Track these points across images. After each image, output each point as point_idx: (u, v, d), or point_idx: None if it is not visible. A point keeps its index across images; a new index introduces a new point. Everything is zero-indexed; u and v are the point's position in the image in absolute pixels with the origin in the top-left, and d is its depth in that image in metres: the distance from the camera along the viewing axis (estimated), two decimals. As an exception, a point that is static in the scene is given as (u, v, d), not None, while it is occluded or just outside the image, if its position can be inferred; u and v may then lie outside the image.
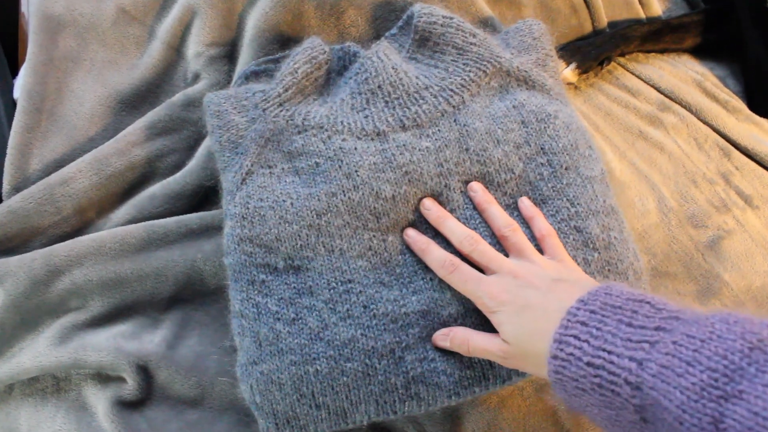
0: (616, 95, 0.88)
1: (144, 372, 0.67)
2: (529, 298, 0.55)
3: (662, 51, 0.95)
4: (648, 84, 0.89)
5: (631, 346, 0.45)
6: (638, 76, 0.90)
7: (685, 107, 0.88)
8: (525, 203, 0.65)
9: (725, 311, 0.44)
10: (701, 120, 0.87)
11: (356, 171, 0.63)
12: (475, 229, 0.63)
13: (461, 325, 0.61)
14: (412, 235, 0.64)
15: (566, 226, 0.64)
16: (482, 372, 0.61)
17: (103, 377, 0.68)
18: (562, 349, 0.48)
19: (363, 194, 0.63)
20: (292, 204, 0.63)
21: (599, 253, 0.63)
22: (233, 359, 0.63)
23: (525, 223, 0.64)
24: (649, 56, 0.93)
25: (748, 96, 0.93)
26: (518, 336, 0.55)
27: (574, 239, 0.63)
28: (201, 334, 0.70)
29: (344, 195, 0.63)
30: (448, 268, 0.61)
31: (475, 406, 0.67)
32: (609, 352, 0.45)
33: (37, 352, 0.68)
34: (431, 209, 0.64)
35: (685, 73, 0.92)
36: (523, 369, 0.57)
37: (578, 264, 0.62)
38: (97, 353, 0.66)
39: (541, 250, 0.62)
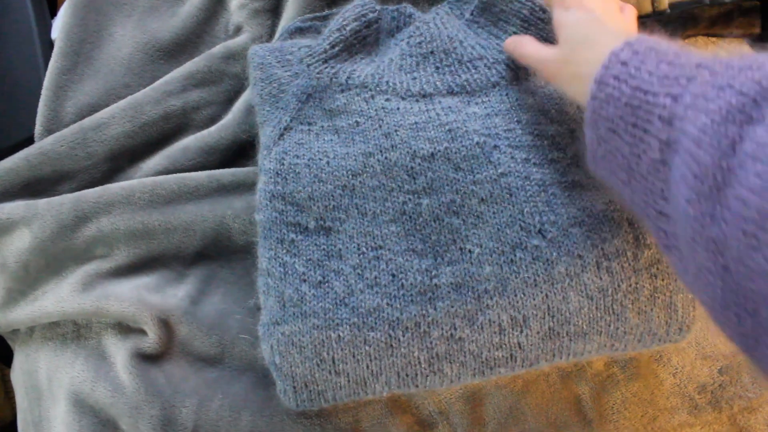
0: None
1: (165, 326, 0.66)
2: (604, 14, 0.56)
3: (731, 35, 0.91)
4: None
5: (668, 83, 0.44)
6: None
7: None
8: None
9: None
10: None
11: (396, 131, 0.61)
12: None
13: (496, 305, 0.59)
14: None
15: (619, 216, 0.61)
16: (510, 353, 0.59)
17: (124, 328, 0.68)
18: (601, 90, 0.48)
19: (400, 154, 0.61)
20: (328, 163, 0.62)
21: (649, 249, 0.60)
22: (256, 320, 0.62)
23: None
24: (710, 40, 0.90)
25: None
26: (576, 41, 0.55)
27: (625, 231, 0.60)
28: (225, 292, 0.69)
29: (381, 155, 0.61)
30: None
31: (499, 388, 0.65)
32: (646, 92, 0.45)
33: (60, 297, 0.68)
34: None
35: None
36: (561, 84, 0.58)
37: (627, 259, 0.60)
38: (120, 303, 0.66)
39: None
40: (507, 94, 0.64)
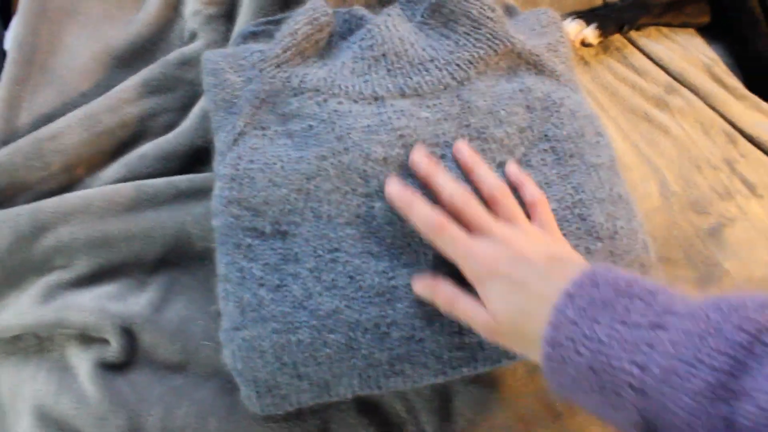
0: (624, 75, 0.86)
1: (128, 335, 0.65)
2: (525, 276, 0.51)
3: (682, 25, 0.93)
4: (657, 64, 0.88)
5: (630, 348, 0.42)
6: (648, 55, 0.89)
7: (692, 91, 0.86)
8: (512, 168, 0.61)
9: (717, 297, 0.42)
10: (708, 105, 0.86)
11: (348, 133, 0.61)
12: None
13: None
14: (394, 188, 0.58)
15: (570, 213, 0.62)
16: (472, 354, 0.59)
17: (87, 338, 0.67)
18: (556, 351, 0.45)
19: (353, 156, 0.61)
20: (282, 167, 0.61)
21: (603, 242, 0.61)
22: (219, 325, 0.62)
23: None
24: (662, 32, 0.91)
25: (744, 76, 0.92)
26: (510, 315, 0.51)
27: (577, 227, 0.61)
28: (188, 299, 0.68)
29: (334, 158, 0.61)
30: (435, 227, 0.55)
31: (466, 384, 0.65)
32: (608, 356, 0.43)
33: (20, 310, 0.67)
34: (421, 161, 0.59)
35: (695, 57, 0.90)
36: (507, 347, 0.54)
37: (580, 253, 0.59)
38: (81, 313, 0.65)
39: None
40: (458, 96, 0.64)
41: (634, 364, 0.42)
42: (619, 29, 0.87)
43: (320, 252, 0.60)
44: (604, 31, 0.85)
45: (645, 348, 0.42)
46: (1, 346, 0.69)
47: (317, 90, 0.64)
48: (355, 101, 0.63)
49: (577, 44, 0.85)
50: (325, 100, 0.63)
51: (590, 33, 0.84)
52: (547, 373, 0.47)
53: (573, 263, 0.52)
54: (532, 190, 0.60)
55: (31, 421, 0.65)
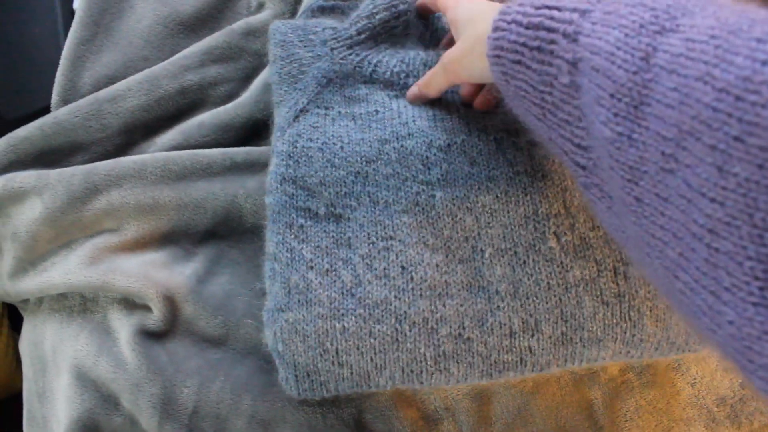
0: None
1: (170, 304, 0.65)
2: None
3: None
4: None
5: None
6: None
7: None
8: None
9: None
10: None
11: (414, 120, 0.60)
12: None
13: (507, 307, 0.57)
14: None
15: None
16: (521, 358, 0.57)
17: (130, 303, 0.67)
18: (503, 19, 0.46)
19: (416, 142, 0.59)
20: (341, 148, 0.60)
21: None
22: (262, 303, 0.61)
23: None
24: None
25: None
26: (466, 24, 0.54)
27: None
28: (233, 273, 0.68)
29: (397, 142, 0.59)
30: None
31: (508, 387, 0.63)
32: (550, 8, 0.42)
33: (68, 269, 0.67)
34: None
35: None
36: (474, 69, 0.54)
37: None
38: (126, 278, 0.65)
39: None
40: None
41: (575, 12, 0.41)
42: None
43: (374, 239, 0.58)
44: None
45: None
46: (48, 302, 0.70)
47: (389, 84, 0.62)
48: None
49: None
50: (396, 96, 0.62)
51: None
52: (491, 54, 0.47)
53: None
54: None
55: (69, 379, 0.65)
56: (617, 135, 0.36)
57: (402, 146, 0.59)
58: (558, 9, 0.42)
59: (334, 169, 0.60)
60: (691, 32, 0.33)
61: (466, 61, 0.54)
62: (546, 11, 0.42)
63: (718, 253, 0.31)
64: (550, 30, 0.42)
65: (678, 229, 0.33)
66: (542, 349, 0.56)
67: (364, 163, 0.60)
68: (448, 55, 0.56)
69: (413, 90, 0.62)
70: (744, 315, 0.30)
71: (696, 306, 0.34)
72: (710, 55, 0.31)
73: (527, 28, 0.43)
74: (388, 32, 0.65)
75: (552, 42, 0.42)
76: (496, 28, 0.46)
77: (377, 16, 0.64)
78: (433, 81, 0.60)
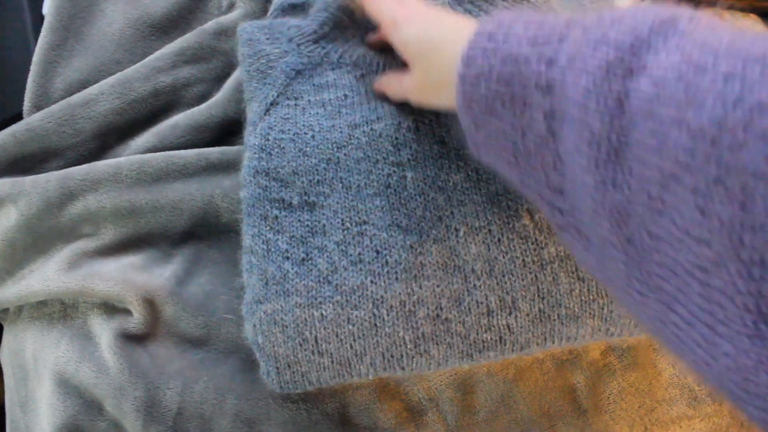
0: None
1: (150, 306, 0.65)
2: (437, 18, 0.53)
3: (749, 8, 0.88)
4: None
5: (540, 46, 0.41)
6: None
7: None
8: None
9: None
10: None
11: (382, 104, 0.60)
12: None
13: (483, 285, 0.57)
14: None
15: None
16: (500, 336, 0.57)
17: (110, 308, 0.66)
18: (469, 67, 0.44)
19: (386, 124, 0.59)
20: (313, 137, 0.60)
21: None
22: (242, 301, 0.61)
23: None
24: (723, 15, 0.87)
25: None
26: (423, 50, 0.52)
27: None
28: (212, 273, 0.67)
29: (367, 126, 0.60)
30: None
31: (491, 375, 0.63)
32: (517, 60, 0.41)
33: (46, 276, 0.67)
34: None
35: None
36: (434, 100, 0.54)
37: None
38: (105, 282, 0.64)
39: None
40: None
41: (542, 62, 0.40)
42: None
43: (348, 224, 0.58)
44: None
45: (555, 42, 0.40)
46: (27, 310, 0.70)
47: (356, 65, 0.62)
48: None
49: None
50: (363, 76, 0.62)
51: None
52: (461, 100, 0.46)
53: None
54: None
55: (51, 386, 0.65)
56: (600, 182, 0.36)
57: (372, 129, 0.60)
58: (526, 61, 0.41)
59: (306, 158, 0.60)
60: (658, 72, 0.33)
61: (431, 96, 0.54)
62: (514, 65, 0.42)
63: (711, 289, 0.31)
64: (522, 82, 0.41)
65: (672, 264, 0.34)
66: (521, 327, 0.57)
67: (335, 149, 0.60)
68: (410, 88, 0.56)
69: (377, 86, 0.62)
70: (739, 347, 0.31)
71: (692, 339, 0.34)
72: (681, 98, 0.31)
73: (497, 81, 0.43)
74: (349, 16, 0.65)
75: (525, 93, 0.41)
76: (463, 79, 0.45)
77: (333, 5, 0.64)
78: (392, 93, 0.60)
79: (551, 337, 0.57)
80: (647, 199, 0.34)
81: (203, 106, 0.72)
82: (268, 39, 0.65)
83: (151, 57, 0.74)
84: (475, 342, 0.57)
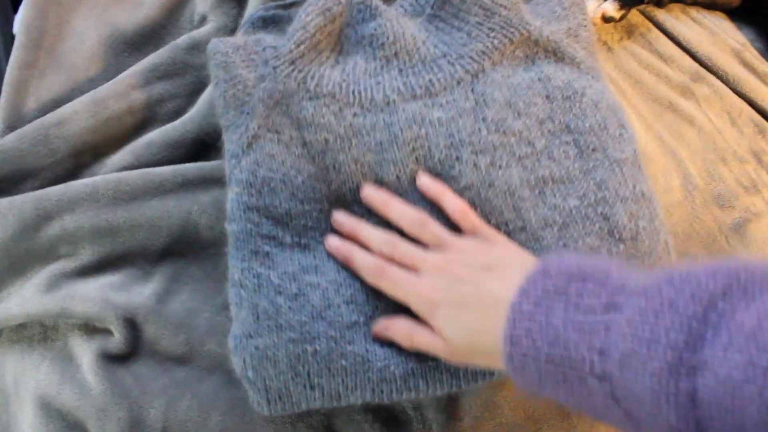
0: (649, 62, 0.83)
1: (131, 326, 0.65)
2: (462, 295, 0.53)
3: (710, 5, 0.89)
4: (683, 49, 0.84)
5: (587, 335, 0.42)
6: (674, 40, 0.85)
7: (720, 77, 0.82)
8: (424, 180, 0.60)
9: (670, 270, 0.41)
10: (737, 92, 0.82)
11: (363, 155, 0.60)
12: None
13: None
14: (333, 243, 0.60)
15: (592, 211, 0.59)
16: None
17: (90, 328, 0.66)
18: (516, 351, 0.45)
19: (369, 182, 0.61)
20: (303, 182, 0.60)
21: (624, 244, 0.59)
22: (225, 318, 0.61)
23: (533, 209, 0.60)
24: (689, 15, 0.88)
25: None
26: (461, 336, 0.52)
27: (600, 227, 0.59)
28: (193, 290, 0.67)
29: (352, 183, 0.61)
30: (376, 273, 0.57)
31: (475, 385, 0.64)
32: (566, 346, 0.42)
33: (24, 298, 0.66)
34: (343, 223, 0.61)
35: (724, 42, 0.86)
36: (473, 365, 0.55)
37: (602, 256, 0.58)
38: (84, 303, 0.64)
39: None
40: (472, 90, 0.62)
41: (593, 351, 0.41)
42: (640, 0, 0.83)
43: (340, 267, 0.59)
44: (624, 2, 0.82)
45: (601, 333, 0.41)
46: (6, 333, 0.69)
47: (333, 96, 0.62)
48: (368, 110, 0.62)
49: (599, 21, 0.82)
50: (341, 110, 0.61)
51: (610, 6, 0.81)
52: (513, 373, 0.47)
53: (513, 267, 0.52)
54: (451, 201, 0.59)
55: (33, 410, 0.64)
56: None
57: (357, 187, 0.61)
58: (573, 347, 0.42)
59: (299, 202, 0.60)
60: (722, 371, 0.35)
61: (469, 359, 0.54)
62: (562, 351, 0.43)
63: None
64: (574, 367, 0.42)
65: None
66: None
67: (325, 201, 0.61)
68: (438, 350, 0.55)
69: (380, 327, 0.59)
70: None
71: None
72: (755, 399, 0.33)
73: (547, 362, 0.43)
74: (326, 38, 0.64)
75: (580, 378, 0.42)
76: (510, 358, 0.46)
77: (311, 24, 0.63)
78: (421, 346, 0.56)
79: None
80: None
81: (178, 122, 0.72)
82: (243, 62, 0.64)
83: (125, 74, 0.73)
84: (464, 375, 0.58)
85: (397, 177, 0.60)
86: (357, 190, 0.61)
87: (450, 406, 0.64)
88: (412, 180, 0.60)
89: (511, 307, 0.46)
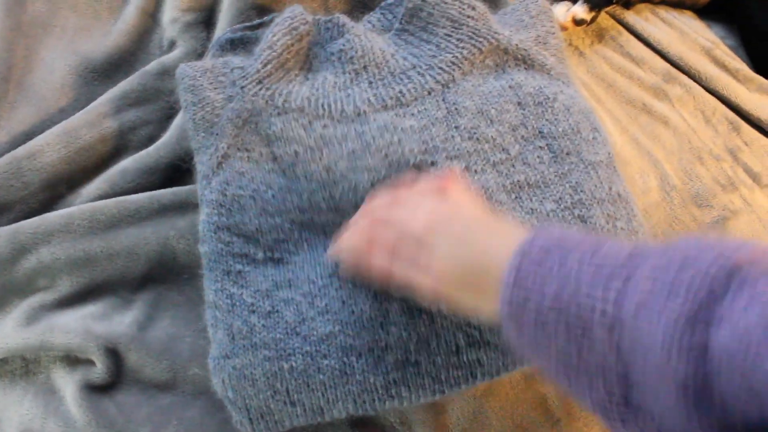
0: (621, 65, 0.83)
1: (113, 355, 0.64)
2: (467, 231, 0.49)
3: (678, 4, 0.89)
4: (654, 51, 0.85)
5: (603, 280, 0.40)
6: (645, 41, 0.85)
7: (692, 77, 0.83)
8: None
9: (691, 237, 0.41)
10: (709, 90, 0.83)
11: (336, 163, 0.60)
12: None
13: (450, 324, 0.56)
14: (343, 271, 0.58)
15: (569, 214, 0.59)
16: (471, 371, 0.57)
17: (72, 359, 0.65)
18: (517, 294, 0.43)
19: (343, 189, 0.60)
20: (273, 196, 0.60)
21: None
22: (207, 342, 0.60)
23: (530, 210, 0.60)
24: (659, 16, 0.88)
25: (749, 57, 0.89)
26: (458, 268, 0.48)
27: (577, 230, 0.59)
28: (174, 316, 0.67)
29: (325, 191, 0.60)
30: (364, 249, 0.54)
31: (461, 394, 0.63)
32: (577, 290, 0.41)
33: (4, 333, 0.66)
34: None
35: (694, 41, 0.87)
36: (459, 305, 0.50)
37: None
38: (65, 335, 0.63)
39: None
40: (443, 99, 0.62)
41: (608, 296, 0.40)
42: (609, 2, 0.84)
43: (314, 278, 0.59)
44: (594, 4, 0.82)
45: (621, 278, 0.40)
46: (-11, 369, 0.68)
47: (301, 110, 0.62)
48: (339, 121, 0.62)
49: (570, 24, 0.82)
50: (310, 123, 0.61)
51: (579, 9, 0.81)
52: (507, 318, 0.44)
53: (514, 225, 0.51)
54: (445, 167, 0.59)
55: (18, 445, 0.64)
56: (689, 415, 0.36)
57: (330, 195, 0.60)
58: (585, 294, 0.40)
59: (269, 217, 0.60)
60: (740, 325, 0.34)
61: (460, 299, 0.50)
62: (570, 298, 0.41)
63: None
64: (582, 316, 0.40)
65: None
66: (491, 359, 0.57)
67: (297, 211, 0.60)
68: (432, 286, 0.50)
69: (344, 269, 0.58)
70: None
71: None
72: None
73: (550, 309, 0.41)
74: (294, 56, 0.64)
75: (584, 326, 0.40)
76: (509, 302, 0.43)
77: (278, 43, 0.63)
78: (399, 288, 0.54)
79: (521, 361, 0.57)
80: None
81: (151, 148, 0.72)
82: (211, 84, 0.64)
83: (96, 102, 0.73)
84: (446, 379, 0.57)
85: (371, 184, 0.59)
86: (331, 198, 0.60)
87: (438, 420, 0.63)
88: (385, 184, 0.59)
89: (518, 250, 0.44)
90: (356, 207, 0.59)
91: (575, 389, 0.43)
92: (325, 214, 0.60)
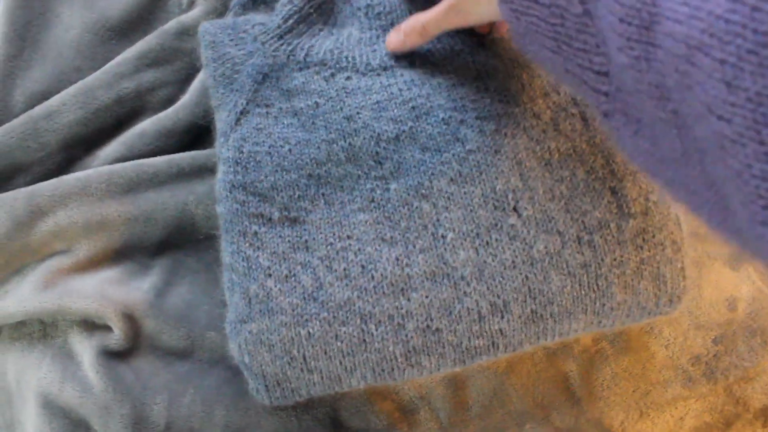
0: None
1: (130, 321, 0.63)
2: None
3: None
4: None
5: None
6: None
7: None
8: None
9: None
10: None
11: (357, 113, 0.58)
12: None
13: (474, 291, 0.55)
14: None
15: (601, 185, 0.57)
16: (492, 341, 0.56)
17: (90, 325, 0.65)
18: None
19: (364, 138, 0.57)
20: (290, 150, 0.58)
21: (635, 219, 0.57)
22: (225, 311, 0.59)
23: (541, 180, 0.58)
24: None
25: None
26: None
27: (608, 201, 0.57)
28: (192, 282, 0.66)
29: (344, 141, 0.58)
30: None
31: (482, 370, 0.62)
32: None
33: (22, 296, 0.65)
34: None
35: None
36: (479, 7, 0.53)
37: (610, 231, 0.56)
38: (82, 300, 0.63)
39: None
40: (473, 61, 0.60)
41: None
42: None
43: (332, 240, 0.57)
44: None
45: None
46: (7, 332, 0.68)
47: (324, 63, 0.60)
48: (364, 74, 0.60)
49: None
50: (333, 75, 0.60)
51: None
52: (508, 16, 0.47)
53: None
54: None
55: (36, 408, 0.64)
56: (634, 59, 0.36)
57: (350, 144, 0.58)
58: None
59: (285, 172, 0.58)
60: None
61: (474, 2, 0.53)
62: None
63: (729, 171, 0.31)
64: None
65: (702, 142, 0.33)
66: (513, 330, 0.55)
67: (314, 165, 0.58)
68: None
69: (394, 38, 0.60)
70: (754, 233, 0.30)
71: (722, 218, 0.34)
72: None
73: None
74: (316, 11, 0.62)
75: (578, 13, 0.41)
76: None
77: None
78: (431, 25, 0.57)
79: (544, 335, 0.56)
80: (676, 74, 0.33)
81: (170, 110, 0.70)
82: (232, 40, 0.63)
83: (113, 62, 0.71)
84: (467, 349, 0.55)
85: (397, 136, 0.57)
86: (350, 147, 0.58)
87: (457, 396, 0.62)
88: (413, 138, 0.58)
89: None
90: (377, 158, 0.57)
91: (568, 71, 0.45)
92: (342, 165, 0.58)
